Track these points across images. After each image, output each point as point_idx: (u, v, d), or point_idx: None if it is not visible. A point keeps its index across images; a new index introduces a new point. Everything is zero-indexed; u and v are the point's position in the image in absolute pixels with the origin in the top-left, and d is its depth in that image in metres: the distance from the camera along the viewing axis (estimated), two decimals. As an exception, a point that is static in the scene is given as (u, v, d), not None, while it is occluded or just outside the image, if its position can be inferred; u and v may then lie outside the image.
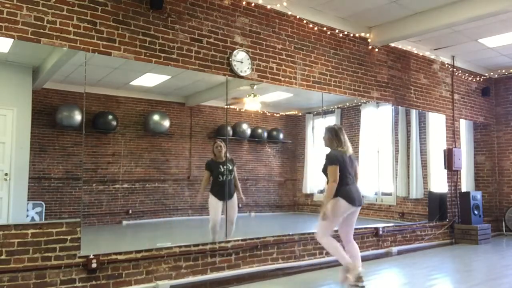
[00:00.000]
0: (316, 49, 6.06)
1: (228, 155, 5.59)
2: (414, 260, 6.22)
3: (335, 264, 5.74)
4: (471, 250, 7.02)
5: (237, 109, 8.39)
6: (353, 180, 4.46)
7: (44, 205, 6.12)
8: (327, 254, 5.80)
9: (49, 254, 3.81)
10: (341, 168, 4.34)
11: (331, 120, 9.01)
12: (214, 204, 5.44)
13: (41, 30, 3.90)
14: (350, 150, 4.53)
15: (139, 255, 4.28)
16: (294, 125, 9.55)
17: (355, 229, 6.23)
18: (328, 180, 4.34)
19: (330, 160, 4.37)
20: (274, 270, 5.17)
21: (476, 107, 8.75)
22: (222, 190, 5.43)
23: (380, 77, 6.92)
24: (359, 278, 4.23)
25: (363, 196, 4.68)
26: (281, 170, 9.34)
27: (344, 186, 4.35)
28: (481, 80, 8.88)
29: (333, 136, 4.53)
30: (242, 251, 5.01)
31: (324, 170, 4.45)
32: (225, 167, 5.48)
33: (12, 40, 3.81)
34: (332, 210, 4.30)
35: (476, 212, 7.75)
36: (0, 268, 3.59)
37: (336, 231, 4.62)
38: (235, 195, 5.56)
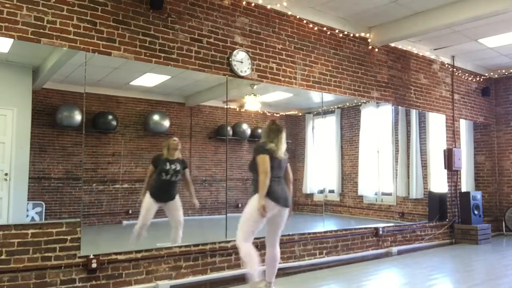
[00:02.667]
0: (316, 49, 6.06)
1: (180, 156, 5.19)
2: (414, 260, 6.22)
3: (335, 264, 5.75)
4: (471, 250, 7.02)
5: (237, 109, 8.38)
6: (278, 177, 4.00)
7: (44, 205, 6.12)
8: (327, 254, 5.81)
9: (49, 254, 3.82)
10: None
11: (331, 120, 9.02)
12: (148, 206, 5.00)
13: (41, 30, 3.90)
14: (281, 153, 4.03)
15: (139, 255, 4.28)
16: (294, 125, 9.54)
17: (355, 229, 6.30)
18: (258, 174, 3.88)
19: (258, 150, 3.95)
20: (274, 270, 5.17)
21: (476, 107, 8.75)
22: (161, 191, 5.04)
23: (380, 77, 6.92)
24: None
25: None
26: (281, 170, 9.33)
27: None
28: (481, 80, 8.88)
29: (270, 129, 4.05)
30: (242, 251, 5.00)
31: (252, 165, 3.99)
32: (172, 165, 5.04)
33: (12, 40, 3.81)
34: (253, 209, 3.86)
35: (476, 212, 7.75)
36: (0, 268, 3.59)
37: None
38: (177, 197, 5.13)
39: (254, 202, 3.89)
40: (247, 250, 3.88)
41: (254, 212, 3.86)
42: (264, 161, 3.87)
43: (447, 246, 7.51)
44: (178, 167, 5.09)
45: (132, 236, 4.96)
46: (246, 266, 3.93)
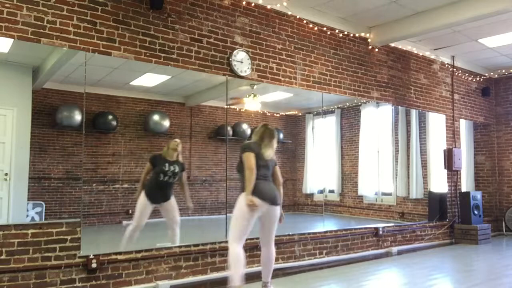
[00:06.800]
0: (316, 49, 6.06)
1: (180, 158, 5.11)
2: (414, 260, 6.22)
3: (335, 264, 5.75)
4: (471, 250, 7.02)
5: (237, 109, 8.38)
6: (265, 176, 4.01)
7: (44, 205, 6.11)
8: (327, 254, 5.81)
9: (49, 254, 3.82)
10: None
11: (331, 120, 9.02)
12: (144, 207, 4.90)
13: (41, 30, 3.90)
14: (270, 154, 4.08)
15: (139, 255, 4.28)
16: (294, 125, 9.54)
17: (355, 229, 6.30)
18: (244, 174, 3.90)
19: (244, 148, 3.98)
20: (274, 270, 5.15)
21: (476, 107, 8.75)
22: (158, 192, 4.96)
23: (380, 77, 6.92)
24: None
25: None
26: (281, 170, 9.33)
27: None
28: (481, 80, 8.88)
29: (264, 132, 4.10)
30: (242, 251, 5.00)
31: (239, 165, 4.01)
32: (171, 167, 4.98)
33: (12, 40, 3.81)
34: (240, 207, 3.86)
35: (476, 212, 7.75)
36: (0, 268, 3.59)
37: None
38: (172, 198, 5.06)
39: (241, 201, 3.89)
40: (235, 253, 3.85)
41: (241, 211, 3.86)
42: (249, 158, 3.89)
43: (447, 246, 7.51)
44: (177, 169, 5.04)
45: (125, 238, 4.82)
46: (230, 268, 3.89)
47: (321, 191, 8.79)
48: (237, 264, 3.82)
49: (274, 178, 4.17)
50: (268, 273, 4.08)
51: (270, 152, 4.08)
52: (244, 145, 4.05)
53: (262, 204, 3.88)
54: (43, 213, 6.03)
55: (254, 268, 5.01)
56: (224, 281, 4.72)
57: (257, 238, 5.09)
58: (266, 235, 4.10)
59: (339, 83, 6.32)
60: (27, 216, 5.71)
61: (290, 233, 5.47)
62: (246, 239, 5.00)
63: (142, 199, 4.94)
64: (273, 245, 4.15)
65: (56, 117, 6.54)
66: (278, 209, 4.05)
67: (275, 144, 4.14)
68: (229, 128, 8.04)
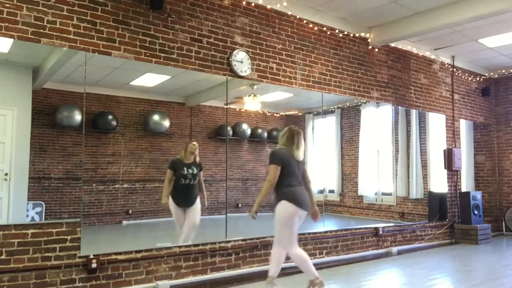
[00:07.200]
0: (316, 49, 6.06)
1: (197, 159, 5.17)
2: (414, 260, 6.22)
3: (335, 264, 5.75)
4: (471, 250, 7.02)
5: (237, 109, 8.38)
6: (299, 181, 4.13)
7: (44, 205, 6.12)
8: (327, 254, 5.81)
9: (49, 254, 3.82)
10: (285, 168, 4.03)
11: (331, 120, 9.02)
12: (175, 211, 5.07)
13: (41, 30, 3.91)
14: (300, 156, 4.17)
15: (139, 255, 4.29)
16: (294, 125, 9.53)
17: (355, 229, 6.31)
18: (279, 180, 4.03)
19: (272, 158, 4.07)
20: (274, 270, 5.17)
21: (476, 107, 8.75)
22: (182, 195, 5.06)
23: (380, 77, 6.92)
24: None
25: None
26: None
27: (287, 187, 4.04)
28: (481, 80, 8.88)
29: (288, 135, 4.21)
30: (242, 251, 5.01)
31: None
32: (189, 170, 5.05)
33: (12, 40, 3.81)
34: (282, 217, 3.99)
35: (476, 212, 7.75)
36: (0, 268, 3.59)
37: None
38: (198, 201, 5.15)
39: (280, 209, 4.00)
40: (297, 255, 4.04)
41: (288, 219, 3.97)
42: (274, 171, 4.00)
43: (447, 246, 7.51)
44: (195, 170, 5.10)
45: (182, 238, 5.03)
46: (303, 269, 4.09)
47: (321, 191, 8.78)
48: (306, 262, 4.03)
49: (304, 178, 4.23)
50: (278, 270, 4.16)
51: (301, 153, 4.17)
52: (274, 154, 4.10)
53: (299, 210, 4.00)
54: (43, 213, 6.03)
55: (254, 268, 5.02)
56: (224, 281, 4.74)
57: (257, 238, 5.12)
58: None
59: (339, 83, 6.32)
60: (27, 216, 5.71)
61: (290, 233, 5.47)
62: (247, 239, 5.05)
63: (171, 205, 5.07)
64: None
65: (56, 117, 6.54)
66: (306, 213, 4.16)
67: (303, 144, 4.22)
68: (229, 128, 8.04)
